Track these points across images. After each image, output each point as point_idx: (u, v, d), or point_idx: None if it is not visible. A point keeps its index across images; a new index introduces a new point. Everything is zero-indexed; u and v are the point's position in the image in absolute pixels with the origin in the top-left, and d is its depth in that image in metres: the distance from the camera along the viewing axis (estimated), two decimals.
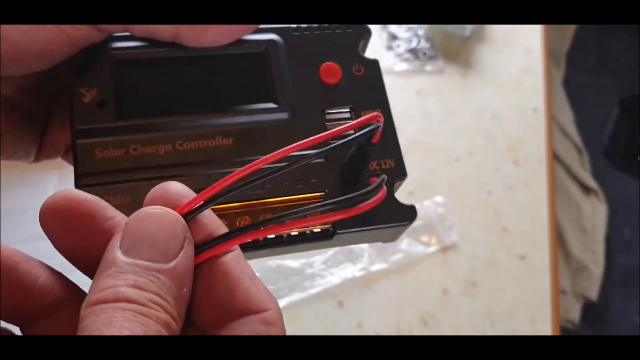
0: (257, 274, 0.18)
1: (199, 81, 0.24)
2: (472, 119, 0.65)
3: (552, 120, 0.68)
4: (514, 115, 0.66)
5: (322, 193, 0.23)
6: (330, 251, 0.54)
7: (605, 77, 1.39)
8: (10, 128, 0.24)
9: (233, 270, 0.17)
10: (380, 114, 0.21)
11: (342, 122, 0.25)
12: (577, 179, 0.91)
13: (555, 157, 0.78)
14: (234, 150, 0.23)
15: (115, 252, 0.16)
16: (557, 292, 0.56)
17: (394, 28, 0.71)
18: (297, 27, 0.26)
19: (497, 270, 0.56)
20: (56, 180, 0.54)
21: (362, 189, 0.19)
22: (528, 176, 0.62)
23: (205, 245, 0.17)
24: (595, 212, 0.90)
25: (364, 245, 0.55)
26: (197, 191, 0.18)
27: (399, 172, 0.25)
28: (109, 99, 0.23)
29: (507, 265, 0.57)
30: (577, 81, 1.18)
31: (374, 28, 0.32)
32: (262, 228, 0.17)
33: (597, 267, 0.88)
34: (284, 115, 0.24)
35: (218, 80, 0.25)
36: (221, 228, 0.18)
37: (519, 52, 0.71)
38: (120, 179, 0.22)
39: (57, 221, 0.17)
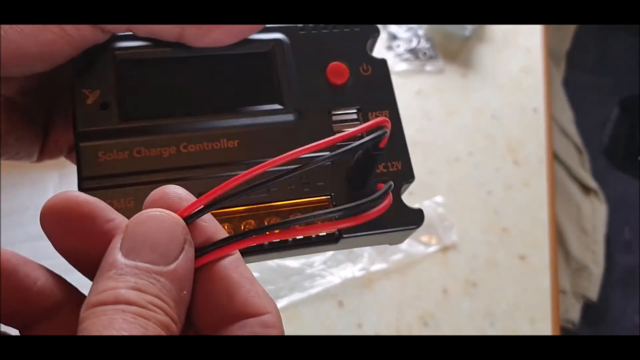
0: (257, 274, 0.18)
1: (203, 81, 0.24)
2: (472, 119, 0.65)
3: (552, 120, 0.68)
4: (514, 115, 0.66)
5: (329, 196, 0.23)
6: (331, 251, 0.54)
7: (605, 77, 1.39)
8: (11, 128, 0.24)
9: (232, 273, 0.17)
10: (388, 120, 0.20)
11: (349, 123, 0.25)
12: (577, 179, 0.91)
13: (555, 157, 0.78)
14: (240, 152, 0.23)
15: (116, 255, 0.16)
16: (557, 292, 0.56)
17: (394, 28, 0.71)
18: (303, 26, 0.26)
19: (497, 270, 0.56)
20: (56, 180, 0.54)
21: (368, 194, 0.19)
22: (528, 176, 0.62)
23: (208, 248, 0.17)
24: (595, 212, 0.90)
25: (363, 247, 0.54)
26: (202, 195, 0.18)
27: (406, 175, 0.24)
28: (112, 100, 0.23)
29: (507, 265, 0.57)
30: (577, 81, 1.18)
31: None
32: (267, 233, 0.17)
33: (597, 267, 0.88)
34: (289, 117, 0.24)
35: (223, 81, 0.24)
36: (220, 232, 0.18)
37: (519, 52, 0.71)
38: (124, 182, 0.22)
39: (57, 222, 0.17)
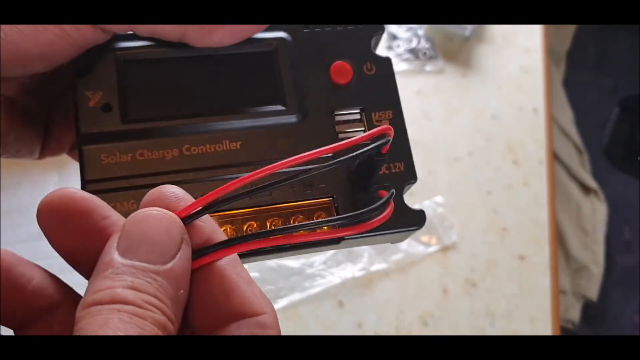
0: (257, 274, 0.18)
1: (205, 82, 0.24)
2: (472, 119, 0.65)
3: (552, 120, 0.68)
4: (514, 115, 0.66)
5: (330, 198, 0.23)
6: (331, 251, 0.54)
7: (605, 77, 1.38)
8: (11, 128, 0.24)
9: (230, 273, 0.17)
10: (391, 127, 0.20)
11: (352, 123, 0.25)
12: (577, 179, 0.91)
13: (555, 157, 0.78)
14: (243, 154, 0.23)
15: (112, 254, 0.16)
16: (557, 292, 0.56)
17: (394, 28, 0.71)
18: (307, 25, 0.26)
19: (497, 270, 0.56)
20: (56, 179, 0.54)
21: (370, 199, 0.19)
22: (528, 176, 0.62)
23: (207, 250, 0.17)
24: (595, 212, 0.90)
25: (364, 245, 0.54)
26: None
27: (409, 176, 0.24)
28: (114, 102, 0.22)
29: (507, 265, 0.57)
30: (577, 81, 1.18)
31: None
32: (270, 237, 0.17)
33: (597, 267, 0.88)
34: (292, 119, 0.24)
35: (225, 81, 0.24)
36: (218, 233, 0.18)
37: (518, 52, 0.71)
38: (127, 185, 0.22)
39: (54, 219, 0.17)
